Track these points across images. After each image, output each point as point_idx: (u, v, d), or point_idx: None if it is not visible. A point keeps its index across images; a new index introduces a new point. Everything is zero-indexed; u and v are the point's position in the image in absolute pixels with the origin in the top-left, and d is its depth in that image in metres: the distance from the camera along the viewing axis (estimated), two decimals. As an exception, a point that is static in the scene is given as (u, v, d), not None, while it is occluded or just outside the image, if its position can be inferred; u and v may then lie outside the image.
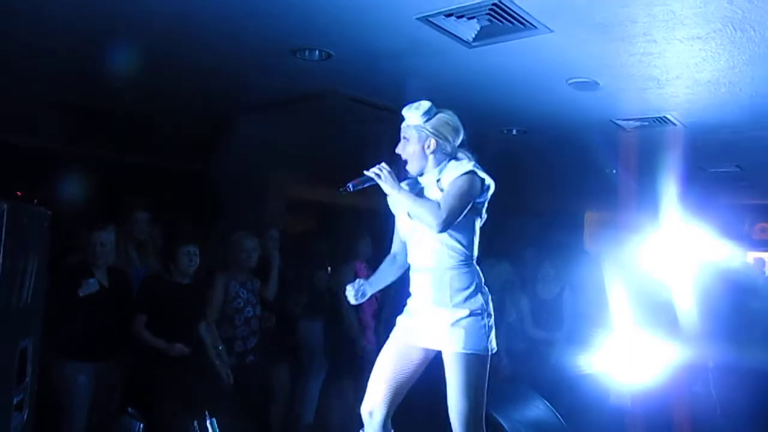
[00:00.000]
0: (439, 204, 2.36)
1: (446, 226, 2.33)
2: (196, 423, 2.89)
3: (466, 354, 2.35)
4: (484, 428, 2.43)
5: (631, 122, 4.40)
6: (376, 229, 4.65)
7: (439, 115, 2.52)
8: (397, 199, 2.45)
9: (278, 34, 3.17)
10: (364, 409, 2.52)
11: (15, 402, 2.19)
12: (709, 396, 4.90)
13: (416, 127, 2.49)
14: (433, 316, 2.42)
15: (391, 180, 2.43)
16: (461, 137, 2.56)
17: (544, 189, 8.38)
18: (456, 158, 2.52)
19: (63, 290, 3.53)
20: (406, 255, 2.60)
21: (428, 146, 2.48)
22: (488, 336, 2.42)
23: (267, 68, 3.71)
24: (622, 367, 4.70)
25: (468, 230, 2.46)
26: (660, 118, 4.23)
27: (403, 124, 2.55)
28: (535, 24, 2.80)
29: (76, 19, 3.03)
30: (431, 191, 2.50)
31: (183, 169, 7.66)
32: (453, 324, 2.37)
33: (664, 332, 4.73)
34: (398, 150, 2.55)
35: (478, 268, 2.51)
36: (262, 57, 3.52)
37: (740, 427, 4.53)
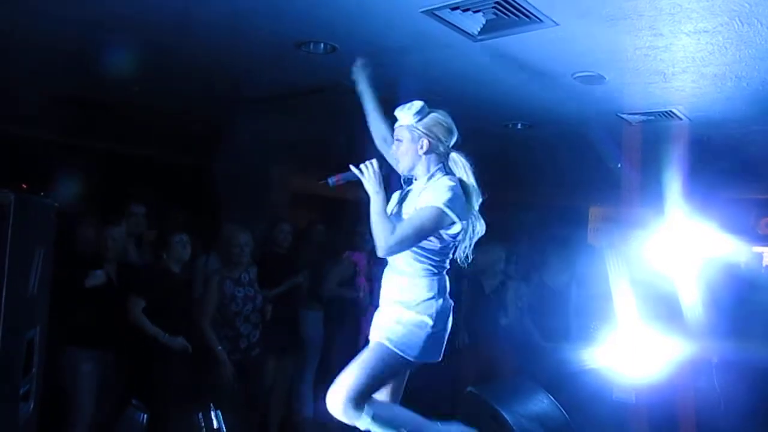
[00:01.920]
0: (395, 227, 2.29)
1: (390, 253, 2.30)
2: (200, 415, 2.90)
3: (388, 348, 2.33)
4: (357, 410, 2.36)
5: (636, 116, 4.39)
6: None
7: (431, 115, 2.47)
8: (372, 201, 2.37)
9: (282, 28, 3.16)
10: None
11: (22, 392, 2.21)
12: (713, 391, 4.89)
13: (408, 127, 2.45)
14: (385, 312, 2.43)
15: (374, 180, 2.37)
16: (455, 138, 2.51)
17: (549, 183, 8.37)
18: (450, 172, 2.48)
19: (71, 281, 3.56)
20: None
21: (421, 147, 2.43)
22: (422, 345, 2.36)
23: (271, 62, 3.70)
24: (626, 362, 4.70)
25: (439, 248, 2.40)
26: (666, 112, 4.21)
27: (396, 125, 2.51)
28: (540, 17, 2.78)
29: (78, 12, 3.03)
30: (413, 201, 2.44)
31: (186, 163, 7.68)
32: (395, 320, 2.36)
33: (668, 327, 4.73)
34: (391, 151, 2.52)
35: (446, 278, 2.46)
36: (267, 50, 3.51)
37: (744, 422, 4.52)
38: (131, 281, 3.66)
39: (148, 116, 5.41)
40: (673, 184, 5.61)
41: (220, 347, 3.76)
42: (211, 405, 2.83)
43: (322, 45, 3.37)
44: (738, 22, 2.71)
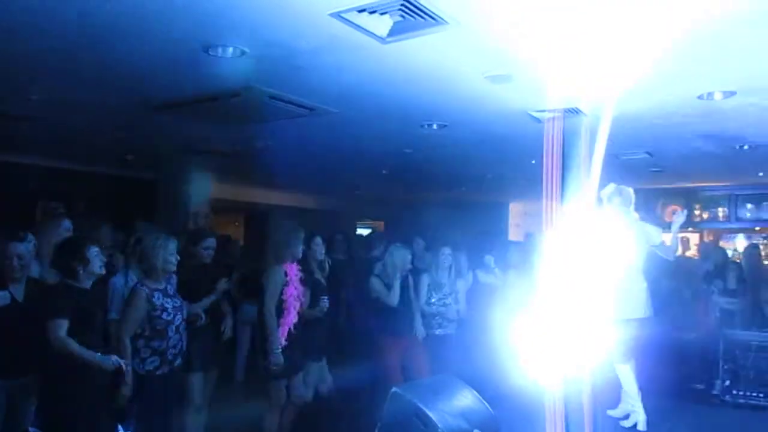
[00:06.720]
0: None
1: None
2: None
3: None
4: None
5: (545, 113, 4.54)
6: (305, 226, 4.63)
7: None
8: None
9: (189, 32, 3.09)
10: None
11: None
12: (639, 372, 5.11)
13: None
14: None
15: None
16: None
17: (468, 181, 8.54)
18: None
19: None
20: None
21: None
22: None
23: (180, 66, 3.61)
24: (549, 352, 4.82)
25: None
26: (571, 109, 4.38)
27: None
28: (445, 18, 2.83)
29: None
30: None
31: (99, 172, 7.41)
32: None
33: (590, 315, 4.90)
34: None
35: None
36: (174, 55, 3.42)
37: (669, 400, 4.81)
38: (48, 302, 3.36)
39: (56, 125, 5.17)
40: (584, 178, 5.84)
41: (129, 366, 3.55)
42: (119, 426, 2.70)
43: (230, 49, 3.31)
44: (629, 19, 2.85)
